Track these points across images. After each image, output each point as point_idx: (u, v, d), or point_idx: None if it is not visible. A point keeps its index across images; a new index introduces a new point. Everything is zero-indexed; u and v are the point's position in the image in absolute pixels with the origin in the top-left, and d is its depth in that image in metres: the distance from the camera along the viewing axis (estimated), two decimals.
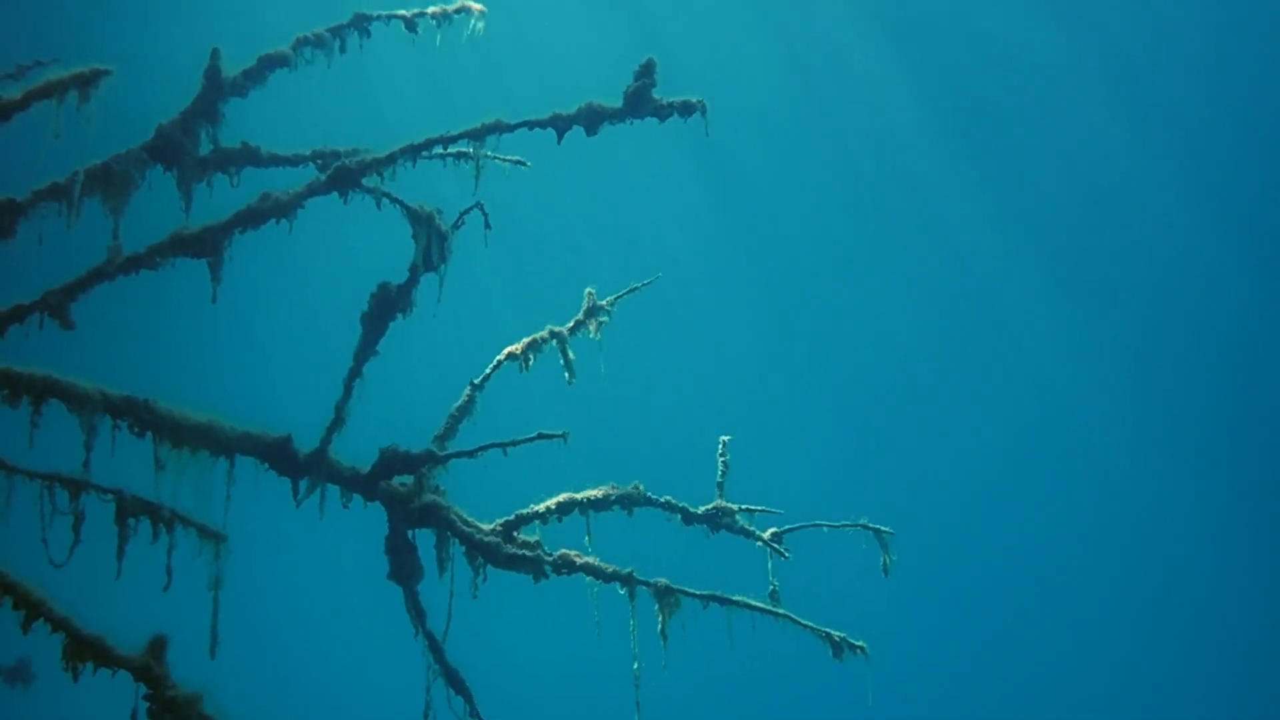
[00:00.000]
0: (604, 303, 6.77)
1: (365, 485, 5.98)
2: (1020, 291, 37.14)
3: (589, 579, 6.16)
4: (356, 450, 5.97)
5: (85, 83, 5.50)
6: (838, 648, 6.34)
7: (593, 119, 5.71)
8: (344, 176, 5.71)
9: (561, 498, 6.31)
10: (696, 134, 5.64)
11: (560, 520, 6.28)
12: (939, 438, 40.61)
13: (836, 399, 40.27)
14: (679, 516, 6.65)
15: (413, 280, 5.63)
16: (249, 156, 6.39)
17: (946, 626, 43.75)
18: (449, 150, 5.88)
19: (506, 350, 6.57)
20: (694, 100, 5.66)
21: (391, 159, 5.71)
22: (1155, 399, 38.98)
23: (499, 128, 5.73)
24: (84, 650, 4.76)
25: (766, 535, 6.78)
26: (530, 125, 5.73)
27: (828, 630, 6.33)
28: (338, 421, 5.83)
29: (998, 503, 41.86)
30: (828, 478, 39.96)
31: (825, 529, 6.90)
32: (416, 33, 6.32)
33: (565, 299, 6.86)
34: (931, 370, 39.33)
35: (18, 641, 4.97)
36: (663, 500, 6.55)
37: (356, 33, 6.24)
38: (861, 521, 6.89)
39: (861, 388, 39.91)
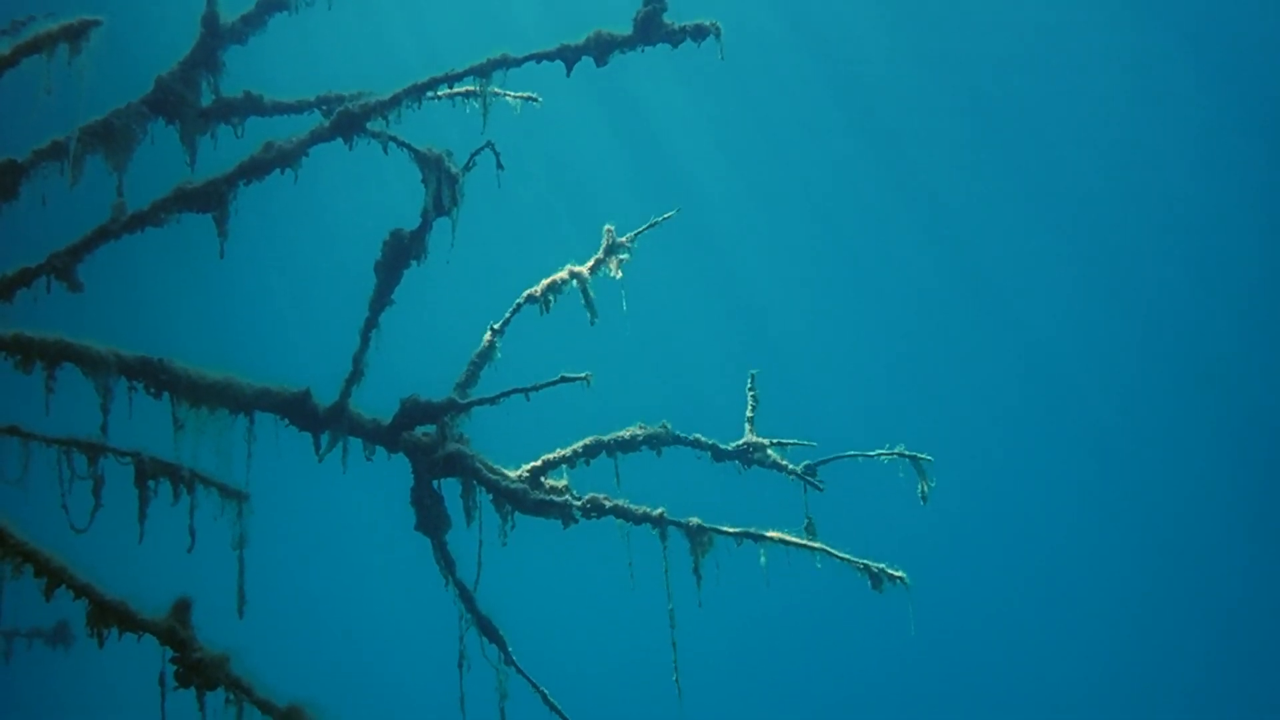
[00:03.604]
0: (624, 239, 6.60)
1: (387, 437, 5.88)
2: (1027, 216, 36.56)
3: (619, 522, 6.06)
4: (377, 403, 5.87)
5: (75, 35, 5.33)
6: (877, 579, 6.22)
7: (602, 48, 5.52)
8: (348, 121, 5.55)
9: (588, 440, 6.22)
10: (710, 58, 5.43)
11: (588, 464, 6.18)
12: (973, 365, 40.05)
13: (869, 328, 39.85)
14: (709, 454, 6.53)
15: (425, 226, 5.49)
16: (253, 105, 6.23)
17: (981, 560, 43.36)
18: (455, 89, 5.69)
19: (526, 293, 6.43)
20: (707, 24, 5.45)
21: (395, 101, 5.54)
22: (1192, 312, 38.29)
23: (505, 62, 5.55)
24: (108, 616, 4.70)
25: (800, 469, 6.66)
26: (538, 58, 5.54)
27: (865, 562, 6.20)
28: (356, 374, 5.72)
29: (1036, 429, 41.22)
30: (861, 408, 39.62)
31: (860, 459, 6.77)
32: None
33: (581, 237, 6.70)
34: (964, 294, 38.78)
35: (57, 604, 4.91)
36: (691, 438, 6.44)
37: None
38: (899, 449, 6.74)
39: (894, 317, 39.45)
